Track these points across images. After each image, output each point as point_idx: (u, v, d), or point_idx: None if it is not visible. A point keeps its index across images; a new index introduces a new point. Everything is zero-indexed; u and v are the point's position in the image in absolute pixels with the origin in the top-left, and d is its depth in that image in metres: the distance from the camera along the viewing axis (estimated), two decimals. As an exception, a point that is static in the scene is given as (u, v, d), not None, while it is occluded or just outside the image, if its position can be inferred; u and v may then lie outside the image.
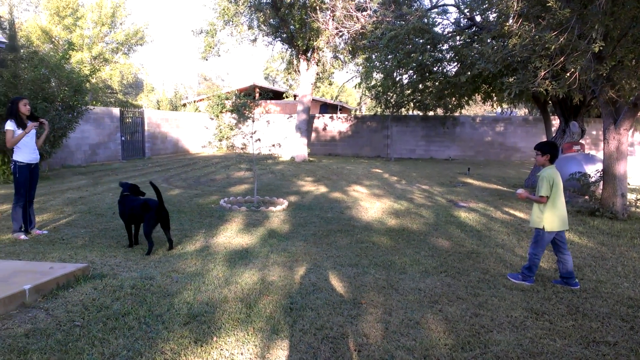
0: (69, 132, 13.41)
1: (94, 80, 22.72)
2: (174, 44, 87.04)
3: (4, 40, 14.92)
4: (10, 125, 6.36)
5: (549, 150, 4.97)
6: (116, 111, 19.47)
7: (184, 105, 30.15)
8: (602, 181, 8.86)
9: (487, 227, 7.67)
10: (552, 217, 4.88)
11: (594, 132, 22.14)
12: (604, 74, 7.66)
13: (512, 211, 9.01)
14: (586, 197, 9.35)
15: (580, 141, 12.13)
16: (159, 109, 29.14)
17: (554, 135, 13.31)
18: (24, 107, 6.48)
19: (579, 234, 7.25)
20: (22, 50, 17.03)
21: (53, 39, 29.70)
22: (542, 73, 7.72)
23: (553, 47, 7.14)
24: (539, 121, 21.90)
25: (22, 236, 6.46)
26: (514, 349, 3.48)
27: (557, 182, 4.87)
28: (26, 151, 6.52)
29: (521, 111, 36.04)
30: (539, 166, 5.10)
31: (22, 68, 12.64)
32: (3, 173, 11.96)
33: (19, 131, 6.39)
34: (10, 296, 3.80)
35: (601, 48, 7.00)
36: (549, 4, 6.82)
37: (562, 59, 7.51)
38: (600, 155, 10.64)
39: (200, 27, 20.42)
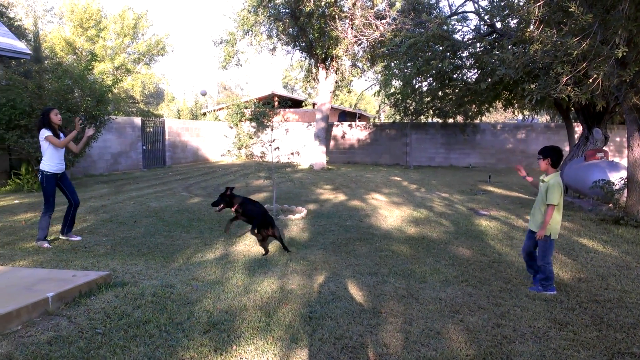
0: (92, 142, 13.64)
1: (116, 91, 23.11)
2: (194, 54, 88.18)
3: (28, 51, 15.26)
4: (48, 132, 6.52)
5: (550, 155, 4.88)
6: (138, 121, 19.75)
7: (204, 114, 30.48)
8: (626, 189, 8.69)
9: (508, 236, 7.56)
10: (557, 224, 4.87)
11: (618, 139, 21.76)
12: (628, 80, 7.53)
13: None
14: (610, 205, 9.18)
15: (604, 148, 11.93)
16: (179, 118, 29.51)
17: (577, 142, 13.12)
18: (55, 117, 6.65)
19: (603, 242, 7.11)
20: (46, 62, 17.42)
21: (76, 50, 30.34)
22: (564, 79, 7.63)
23: (575, 52, 7.06)
24: (562, 128, 21.59)
25: (46, 244, 6.56)
26: (537, 360, 3.41)
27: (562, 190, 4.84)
28: (54, 161, 6.65)
29: (543, 118, 35.66)
30: (542, 171, 5.02)
31: (47, 79, 12.93)
32: (27, 182, 12.20)
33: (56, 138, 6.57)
34: (33, 304, 3.86)
35: (624, 53, 6.90)
36: (571, 10, 6.75)
37: (584, 64, 7.41)
38: (624, 162, 10.43)
39: (220, 37, 20.65)
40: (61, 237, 6.94)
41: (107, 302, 4.23)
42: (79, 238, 6.97)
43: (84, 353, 3.33)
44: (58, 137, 6.61)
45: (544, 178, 4.97)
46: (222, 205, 6.38)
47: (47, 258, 5.87)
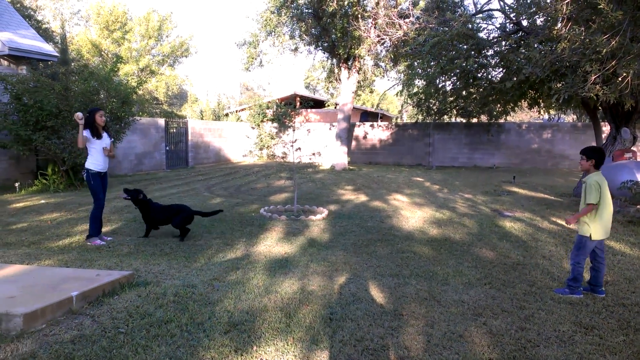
0: (117, 143, 13.84)
1: (140, 92, 23.42)
2: (217, 55, 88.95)
3: (56, 54, 15.57)
4: (84, 133, 6.72)
5: (594, 156, 4.82)
6: (161, 122, 19.98)
7: (226, 115, 30.69)
8: (657, 190, 8.46)
9: (533, 238, 7.42)
10: (599, 225, 4.72)
11: (648, 139, 21.19)
12: (658, 79, 7.33)
13: (560, 221, 8.70)
14: (638, 206, 8.94)
15: (632, 148, 11.64)
16: (202, 119, 29.77)
17: (604, 142, 12.82)
18: (100, 118, 6.85)
19: (631, 245, 6.92)
20: (72, 64, 17.73)
21: (102, 52, 30.86)
22: (593, 78, 7.45)
23: (604, 50, 6.89)
24: (589, 127, 21.14)
25: (98, 241, 6.76)
26: (563, 366, 3.33)
27: (604, 189, 4.70)
28: (99, 159, 6.86)
29: (569, 117, 35.01)
30: (583, 171, 4.97)
31: (73, 81, 13.16)
32: (53, 182, 12.43)
33: (94, 139, 6.75)
34: (58, 302, 3.91)
35: (655, 51, 6.71)
36: (600, 7, 6.58)
37: (613, 63, 7.22)
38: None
39: (243, 39, 20.78)
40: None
41: (129, 301, 4.27)
42: (109, 239, 7.08)
43: (106, 352, 3.37)
44: (100, 137, 6.80)
45: (584, 179, 4.87)
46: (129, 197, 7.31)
47: (71, 257, 5.97)
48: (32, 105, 11.69)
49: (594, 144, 15.31)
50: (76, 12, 36.50)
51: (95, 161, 6.82)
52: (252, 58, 20.67)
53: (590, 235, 4.73)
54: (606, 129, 16.93)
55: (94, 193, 6.86)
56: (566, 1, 7.53)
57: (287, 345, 3.58)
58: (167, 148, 20.12)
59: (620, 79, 7.37)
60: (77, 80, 13.18)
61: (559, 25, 8.05)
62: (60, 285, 4.29)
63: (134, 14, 49.36)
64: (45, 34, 24.57)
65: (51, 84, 12.18)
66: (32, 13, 27.00)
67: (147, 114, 27.17)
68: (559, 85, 8.79)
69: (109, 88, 13.12)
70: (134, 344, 3.50)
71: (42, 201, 10.56)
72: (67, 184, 12.65)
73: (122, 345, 3.48)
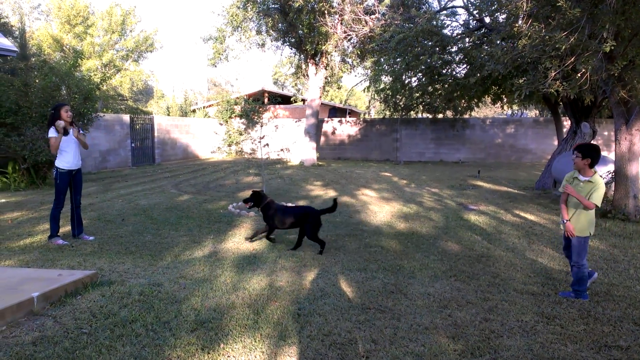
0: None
1: (104, 88, 22.88)
2: (183, 50, 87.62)
3: (15, 49, 15.08)
4: (53, 133, 6.46)
5: (591, 155, 4.55)
6: (126, 118, 19.59)
7: (194, 111, 30.31)
8: (614, 182, 8.75)
9: (497, 230, 7.59)
10: (593, 221, 4.66)
11: (606, 133, 21.92)
12: (615, 74, 7.57)
13: (522, 214, 8.92)
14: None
15: (592, 142, 12.01)
16: (168, 115, 29.32)
17: (565, 136, 13.19)
18: (65, 114, 6.57)
19: (592, 237, 7.14)
20: (32, 59, 17.21)
21: (64, 47, 30.04)
22: (553, 74, 7.64)
23: (563, 47, 7.07)
24: (550, 122, 21.71)
25: (60, 241, 6.56)
26: (524, 354, 3.42)
27: None
28: (68, 157, 6.61)
29: (532, 112, 35.83)
30: (576, 169, 4.68)
31: (33, 76, 12.78)
32: (14, 181, 12.07)
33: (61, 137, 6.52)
34: (18, 304, 3.81)
35: (612, 48, 6.92)
36: (559, 4, 6.76)
37: (572, 59, 7.43)
38: (612, 156, 10.50)
39: (209, 34, 20.55)
40: (75, 241, 6.78)
41: (93, 301, 4.19)
42: (92, 238, 6.88)
43: (69, 353, 3.30)
44: (66, 134, 6.54)
45: (579, 177, 4.63)
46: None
47: (33, 257, 5.81)
48: (-10, 102, 11.32)
49: (555, 138, 15.71)
50: (36, 6, 35.31)
51: (64, 159, 6.58)
52: (219, 53, 20.47)
53: (590, 233, 4.62)
54: (567, 123, 17.41)
55: (58, 192, 6.63)
56: (527, -2, 7.71)
57: (255, 342, 3.57)
58: (133, 145, 19.75)
59: (579, 75, 7.58)
60: (37, 75, 12.80)
61: (520, 22, 8.22)
62: (20, 285, 4.18)
63: (97, 7, 48.23)
64: (4, 29, 23.70)
65: (10, 80, 11.81)
66: (-12, 6, 26.06)
67: (112, 110, 26.62)
68: (520, 81, 8.99)
69: (70, 84, 12.79)
70: (97, 344, 3.43)
71: (3, 200, 10.24)
72: (29, 182, 12.29)
73: (86, 346, 3.41)
